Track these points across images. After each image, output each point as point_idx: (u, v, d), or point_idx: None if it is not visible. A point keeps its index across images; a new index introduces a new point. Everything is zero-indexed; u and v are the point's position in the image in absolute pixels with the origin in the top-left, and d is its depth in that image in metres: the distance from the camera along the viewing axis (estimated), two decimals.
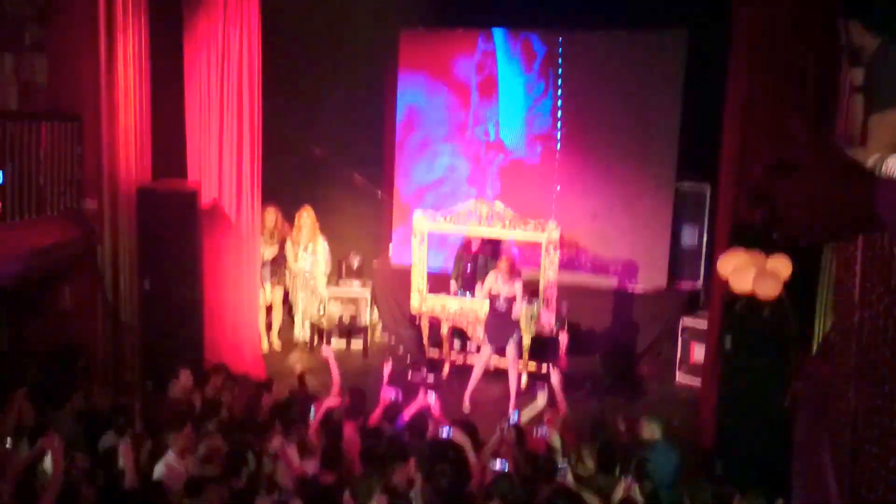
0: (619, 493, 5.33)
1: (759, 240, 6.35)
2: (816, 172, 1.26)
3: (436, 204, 10.32)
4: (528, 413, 6.93)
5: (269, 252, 10.17)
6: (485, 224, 9.34)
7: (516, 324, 8.73)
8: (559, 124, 10.37)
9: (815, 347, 6.57)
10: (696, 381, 9.20)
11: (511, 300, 8.56)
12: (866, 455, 2.76)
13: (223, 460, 5.49)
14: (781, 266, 6.22)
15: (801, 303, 6.72)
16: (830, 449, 3.44)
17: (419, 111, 10.81)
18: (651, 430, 6.54)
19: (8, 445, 5.58)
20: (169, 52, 8.87)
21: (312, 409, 6.91)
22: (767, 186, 1.26)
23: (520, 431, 6.40)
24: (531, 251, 9.93)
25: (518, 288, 8.56)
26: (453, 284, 9.78)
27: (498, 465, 5.64)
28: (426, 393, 7.03)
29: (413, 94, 10.77)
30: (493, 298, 8.66)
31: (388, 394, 7.22)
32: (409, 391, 7.92)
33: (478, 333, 9.30)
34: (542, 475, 5.62)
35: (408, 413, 6.86)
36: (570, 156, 10.36)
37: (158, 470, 5.66)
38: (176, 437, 5.80)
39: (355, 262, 10.74)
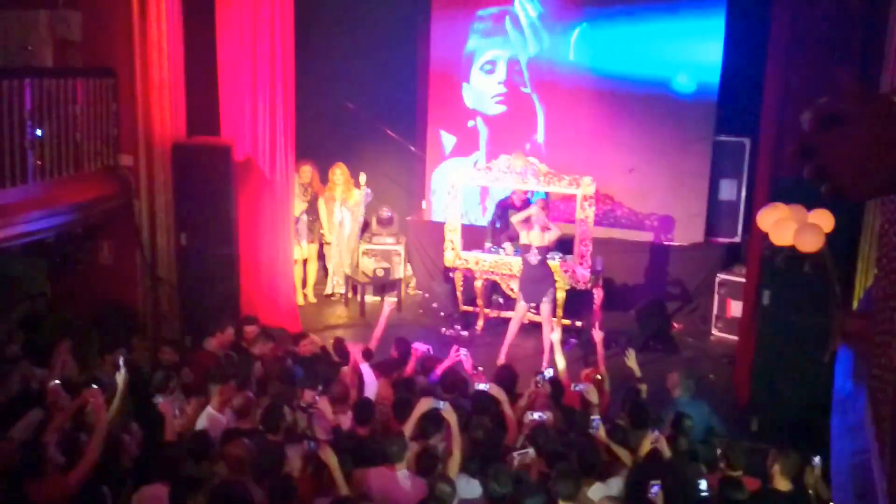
0: (645, 445, 5.33)
1: (801, 194, 6.22)
2: (864, 125, 1.20)
3: (470, 158, 10.25)
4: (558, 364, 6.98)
5: (303, 207, 10.22)
6: (519, 178, 9.25)
7: (551, 279, 8.67)
8: (596, 77, 10.18)
9: (855, 303, 6.45)
10: (731, 337, 9.14)
11: (544, 252, 8.46)
12: None
13: (261, 414, 5.57)
14: (823, 220, 6.09)
15: (842, 258, 6.59)
16: (871, 407, 3.39)
17: (453, 63, 10.68)
18: (684, 387, 6.52)
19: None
20: (201, 7, 8.83)
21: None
22: (814, 140, 1.21)
23: (556, 386, 6.42)
24: (567, 206, 9.86)
25: (550, 237, 8.44)
26: (488, 243, 9.72)
27: (535, 417, 5.66)
28: (458, 349, 7.06)
29: (446, 45, 10.65)
30: (525, 250, 8.56)
31: (420, 347, 7.25)
32: (444, 345, 7.99)
33: (512, 287, 9.28)
34: (576, 428, 5.64)
35: (440, 368, 6.90)
36: (608, 109, 10.18)
37: (201, 422, 5.77)
38: (216, 391, 5.89)
39: (385, 213, 10.70)
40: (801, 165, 1.29)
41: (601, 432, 5.47)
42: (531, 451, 5.25)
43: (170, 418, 5.61)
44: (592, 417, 5.64)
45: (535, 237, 8.44)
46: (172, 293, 8.63)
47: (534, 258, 8.47)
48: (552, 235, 8.43)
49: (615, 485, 5.02)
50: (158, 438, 5.55)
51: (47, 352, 6.64)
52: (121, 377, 5.79)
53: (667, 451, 5.32)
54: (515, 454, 5.26)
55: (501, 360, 8.57)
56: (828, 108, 1.27)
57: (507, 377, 6.66)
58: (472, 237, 9.84)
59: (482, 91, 10.72)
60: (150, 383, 6.25)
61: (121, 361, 5.94)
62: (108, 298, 8.26)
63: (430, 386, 6.69)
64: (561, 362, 7.05)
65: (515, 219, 8.65)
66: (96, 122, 8.09)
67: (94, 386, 5.52)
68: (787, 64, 7.36)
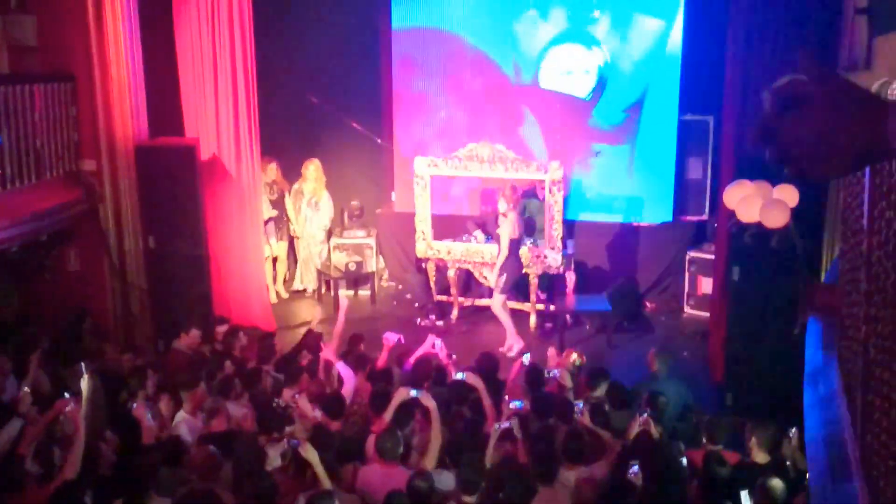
0: (634, 429, 5.37)
1: (765, 170, 6.29)
2: (823, 107, 1.21)
3: (436, 147, 10.22)
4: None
5: (270, 207, 10.15)
6: (487, 166, 9.26)
7: (515, 263, 8.71)
8: (559, 63, 10.18)
9: (822, 275, 6.55)
10: (703, 314, 9.23)
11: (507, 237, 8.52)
12: (878, 380, 2.75)
13: (257, 416, 5.58)
14: (788, 195, 6.17)
15: (808, 231, 6.69)
16: (842, 377, 3.45)
17: (415, 54, 10.63)
18: (659, 364, 6.58)
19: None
20: (158, 6, 8.72)
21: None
22: (774, 123, 1.22)
23: (534, 373, 6.45)
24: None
25: (505, 222, 8.48)
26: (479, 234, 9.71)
27: (513, 406, 5.69)
28: (433, 339, 7.08)
29: (408, 36, 10.59)
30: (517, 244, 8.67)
31: (391, 338, 7.25)
32: (419, 336, 8.00)
33: (486, 275, 9.29)
34: (558, 415, 5.67)
35: (413, 358, 6.91)
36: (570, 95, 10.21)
37: (176, 426, 5.73)
38: (188, 396, 5.85)
39: (355, 204, 10.67)
40: (763, 148, 1.31)
41: (585, 417, 5.50)
42: (514, 423, 5.25)
43: (145, 423, 5.57)
44: (576, 402, 5.67)
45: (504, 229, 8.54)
46: (143, 297, 8.54)
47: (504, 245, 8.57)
48: (506, 222, 8.55)
49: (599, 468, 5.06)
50: (133, 444, 5.51)
51: (18, 363, 6.54)
52: (85, 384, 5.72)
53: (655, 433, 5.37)
54: (496, 425, 5.28)
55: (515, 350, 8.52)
56: (787, 91, 1.28)
57: (487, 365, 6.68)
58: (443, 226, 9.83)
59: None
60: (121, 389, 6.19)
61: (83, 368, 5.87)
62: (77, 305, 8.15)
63: (406, 376, 6.69)
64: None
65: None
66: (56, 127, 7.96)
67: (66, 395, 5.45)
68: (747, 42, 7.43)
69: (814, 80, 1.27)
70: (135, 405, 5.68)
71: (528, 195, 9.44)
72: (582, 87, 10.10)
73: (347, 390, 6.38)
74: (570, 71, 10.10)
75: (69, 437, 5.16)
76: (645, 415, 5.40)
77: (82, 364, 6.04)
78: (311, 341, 7.47)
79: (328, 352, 6.84)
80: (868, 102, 1.24)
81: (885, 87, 2.41)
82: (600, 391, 6.30)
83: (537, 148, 10.20)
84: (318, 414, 5.78)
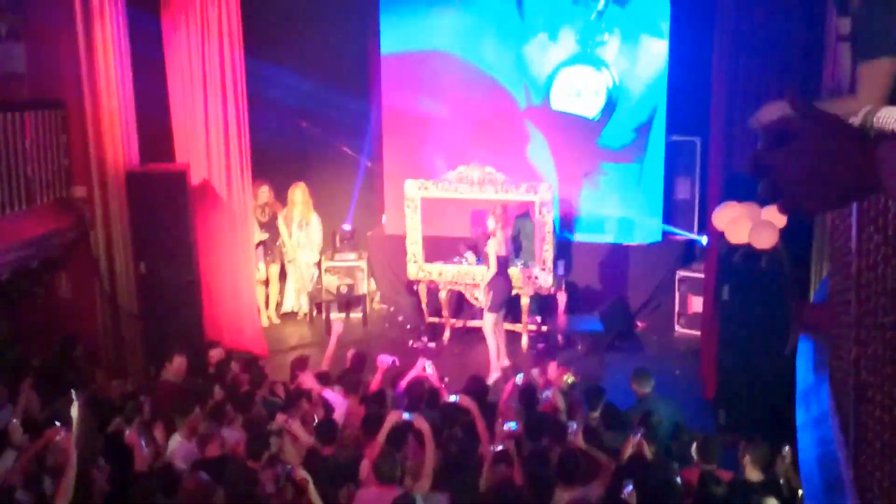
0: (628, 449, 5.39)
1: (753, 190, 6.35)
2: (812, 142, 1.25)
3: (426, 171, 10.27)
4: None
5: (262, 233, 10.14)
6: (477, 188, 9.31)
7: (504, 282, 8.72)
8: (545, 86, 10.26)
9: (811, 295, 6.61)
10: (694, 333, 9.28)
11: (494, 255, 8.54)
12: (870, 402, 2.78)
13: (245, 443, 5.55)
14: (777, 216, 6.23)
15: (796, 251, 6.75)
16: (834, 397, 3.48)
17: (404, 77, 10.70)
18: (641, 386, 6.60)
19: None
20: (148, 33, 8.76)
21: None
22: (765, 159, 1.26)
23: (527, 394, 6.46)
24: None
25: (493, 240, 8.53)
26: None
27: (507, 427, 5.69)
28: (424, 362, 7.09)
29: (398, 60, 10.67)
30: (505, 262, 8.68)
31: (385, 360, 7.25)
32: (412, 358, 8.00)
33: (477, 297, 9.32)
34: (552, 436, 5.68)
35: (404, 381, 6.91)
36: (560, 116, 10.28)
37: (171, 452, 5.71)
38: (183, 422, 5.84)
39: (346, 227, 10.68)
40: (756, 182, 1.34)
41: (578, 438, 5.51)
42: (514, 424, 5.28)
43: (138, 450, 5.54)
44: (569, 422, 5.68)
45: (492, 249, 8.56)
46: (134, 323, 8.51)
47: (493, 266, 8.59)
48: (492, 244, 8.56)
49: (595, 489, 5.06)
50: (126, 472, 5.48)
51: (9, 391, 6.51)
52: (76, 412, 5.70)
53: (649, 454, 5.38)
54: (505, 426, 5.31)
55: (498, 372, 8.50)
56: (777, 127, 1.32)
57: (477, 387, 6.69)
58: (434, 248, 9.86)
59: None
60: (113, 416, 6.17)
61: (73, 395, 5.85)
62: (68, 332, 8.12)
63: (399, 398, 6.69)
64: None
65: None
66: (47, 154, 7.96)
67: (57, 423, 5.43)
68: (731, 64, 7.53)
69: (802, 117, 1.31)
70: (128, 432, 5.65)
71: (524, 216, 9.48)
72: (591, 107, 10.10)
73: (339, 415, 6.37)
74: (580, 92, 10.07)
75: (60, 465, 5.13)
76: (639, 435, 5.41)
77: (73, 391, 6.02)
78: (297, 367, 7.42)
79: (308, 379, 6.82)
80: (857, 139, 1.28)
81: (871, 116, 2.45)
82: (599, 411, 6.32)
83: (546, 169, 10.21)
84: (311, 438, 5.77)
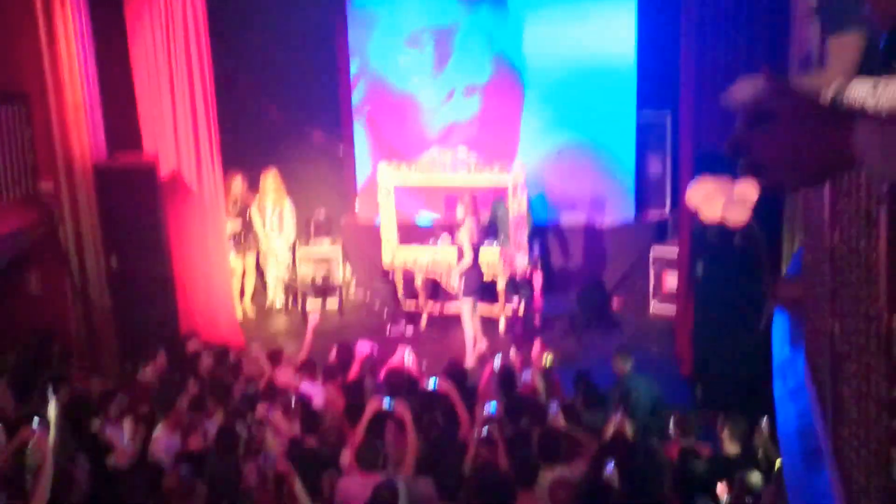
0: (610, 428, 5.43)
1: (724, 165, 6.38)
2: (791, 121, 1.26)
3: (399, 154, 10.23)
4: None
5: (234, 221, 10.04)
6: (449, 171, 9.28)
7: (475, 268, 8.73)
8: (511, 65, 10.24)
9: (784, 269, 6.67)
10: (670, 310, 9.34)
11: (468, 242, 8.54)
12: (846, 373, 2.82)
13: (215, 436, 5.50)
14: (749, 191, 6.26)
15: (768, 225, 6.80)
16: (810, 369, 3.52)
17: (372, 61, 10.63)
18: (623, 364, 6.66)
19: None
20: (112, 23, 8.60)
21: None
22: (744, 138, 1.27)
23: (507, 376, 6.48)
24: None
25: (463, 229, 8.50)
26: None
27: (487, 410, 5.71)
28: (403, 350, 7.09)
29: (365, 43, 10.59)
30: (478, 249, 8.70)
31: (364, 348, 7.24)
32: (389, 345, 7.99)
33: (452, 283, 9.31)
34: (531, 417, 5.71)
35: (384, 369, 6.91)
36: (530, 94, 10.28)
37: (154, 446, 5.66)
38: (164, 416, 5.79)
39: (321, 216, 10.62)
40: (735, 160, 1.35)
41: (559, 418, 5.54)
42: (492, 428, 5.29)
43: (119, 446, 5.49)
44: (550, 404, 5.71)
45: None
46: (107, 318, 8.41)
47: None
48: (463, 231, 8.59)
49: (577, 467, 5.10)
50: (105, 469, 5.43)
51: None
52: (52, 408, 5.63)
53: (630, 432, 5.43)
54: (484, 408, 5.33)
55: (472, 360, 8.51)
56: (755, 107, 1.32)
57: (456, 371, 6.70)
58: (408, 234, 9.83)
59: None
60: (91, 413, 6.10)
61: (50, 392, 5.78)
62: (40, 330, 8.01)
63: (379, 386, 6.69)
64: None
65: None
66: (11, 149, 7.80)
67: (35, 421, 5.36)
68: (700, 39, 7.55)
69: (778, 96, 1.31)
70: (107, 429, 5.59)
71: (499, 199, 9.47)
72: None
73: (318, 404, 6.36)
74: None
75: (38, 464, 5.07)
76: (619, 414, 5.45)
77: (49, 389, 5.94)
78: (272, 361, 7.39)
79: (284, 372, 6.77)
80: (832, 116, 1.29)
81: (841, 89, 2.46)
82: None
83: (497, 151, 10.20)
84: (294, 427, 5.75)
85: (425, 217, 9.74)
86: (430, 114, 10.57)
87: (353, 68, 10.62)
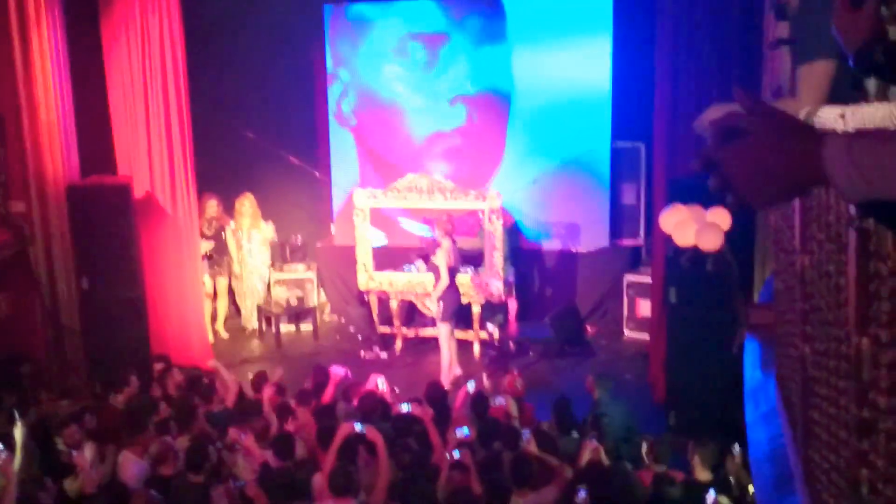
0: (585, 455, 5.42)
1: (698, 194, 6.48)
2: (761, 138, 1.29)
3: (375, 180, 10.25)
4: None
5: (208, 243, 9.99)
6: (426, 197, 9.31)
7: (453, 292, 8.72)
8: (494, 92, 10.33)
9: (755, 295, 6.75)
10: (643, 336, 9.39)
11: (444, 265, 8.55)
12: (817, 396, 2.84)
13: (185, 454, 5.42)
14: (721, 218, 6.36)
15: (740, 252, 6.89)
16: (782, 394, 3.55)
17: (351, 86, 10.67)
18: (600, 389, 6.68)
19: None
20: (88, 44, 8.58)
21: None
22: (715, 155, 1.29)
23: (480, 400, 6.47)
24: (473, 220, 9.96)
25: (440, 251, 8.55)
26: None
27: (459, 434, 5.69)
28: (376, 378, 7.07)
29: (343, 69, 10.64)
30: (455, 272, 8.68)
31: (338, 372, 7.20)
32: (363, 369, 7.95)
33: (429, 306, 9.30)
34: (504, 442, 5.69)
35: (357, 396, 6.87)
36: (507, 123, 10.36)
37: (119, 471, 5.57)
38: (133, 440, 5.70)
39: (298, 240, 10.60)
40: (705, 177, 1.37)
41: (532, 445, 5.52)
42: (464, 452, 5.26)
43: (86, 471, 5.39)
44: (522, 430, 5.70)
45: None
46: (77, 340, 8.30)
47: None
48: (438, 257, 8.58)
49: (549, 494, 5.08)
50: (72, 493, 5.33)
51: None
52: (18, 431, 5.53)
53: (605, 459, 5.42)
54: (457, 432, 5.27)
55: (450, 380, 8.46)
56: (726, 123, 1.34)
57: (436, 394, 6.68)
58: (383, 258, 9.83)
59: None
60: (58, 436, 6.00)
61: (16, 414, 5.68)
62: (9, 351, 7.88)
63: (352, 411, 6.64)
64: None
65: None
66: None
67: (0, 444, 5.26)
68: (673, 71, 7.67)
69: (749, 112, 1.34)
70: (75, 454, 5.50)
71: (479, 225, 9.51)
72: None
73: (291, 427, 6.29)
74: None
75: (2, 486, 4.97)
76: (594, 441, 5.45)
77: (14, 411, 5.84)
78: (257, 379, 7.33)
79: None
80: (802, 132, 1.31)
81: (811, 116, 2.52)
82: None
83: (473, 177, 10.26)
84: (267, 454, 5.68)
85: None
86: (415, 121, 10.57)
87: (346, 77, 10.62)
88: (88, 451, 5.75)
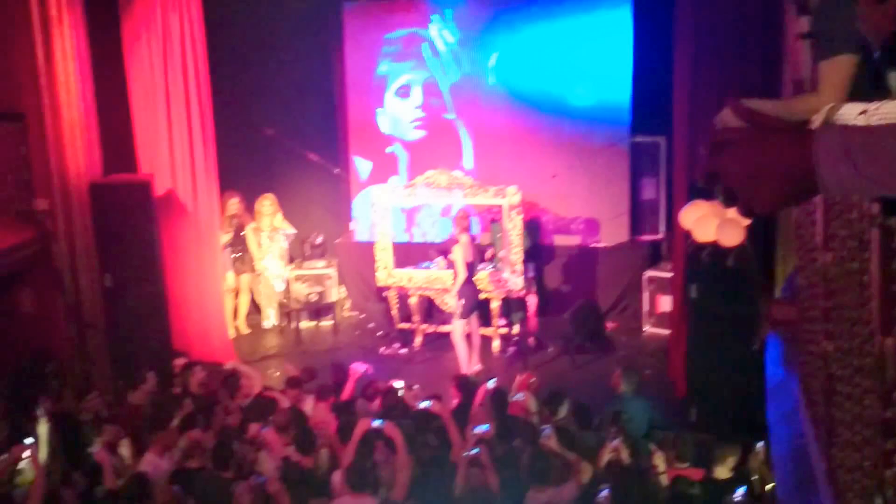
0: (605, 455, 5.41)
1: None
2: (751, 145, 1.29)
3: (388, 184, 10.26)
4: None
5: (228, 239, 10.05)
6: (445, 193, 9.31)
7: (471, 288, 8.72)
8: (514, 93, 10.30)
9: (777, 291, 6.69)
10: (663, 332, 9.34)
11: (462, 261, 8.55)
12: (840, 395, 2.82)
13: (211, 451, 5.47)
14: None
15: (761, 248, 6.84)
16: (804, 391, 3.52)
17: (369, 85, 10.68)
18: (627, 382, 6.65)
19: None
20: (109, 42, 8.64)
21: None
22: (714, 165, 1.30)
23: (499, 397, 6.47)
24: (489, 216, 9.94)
25: (457, 247, 8.53)
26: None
27: (479, 430, 5.69)
28: (395, 383, 7.12)
29: (358, 70, 10.65)
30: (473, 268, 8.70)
31: (359, 368, 7.23)
32: (383, 364, 7.97)
33: (447, 302, 9.30)
34: (523, 438, 5.69)
35: (376, 392, 6.90)
36: (527, 122, 10.33)
37: (141, 467, 5.62)
38: (155, 437, 5.75)
39: (318, 240, 10.64)
40: (713, 188, 1.38)
41: (552, 441, 5.51)
42: (482, 449, 5.27)
43: (108, 467, 5.45)
44: (543, 426, 5.69)
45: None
46: (100, 336, 8.38)
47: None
48: (455, 253, 8.59)
49: (569, 490, 5.08)
50: (97, 489, 5.39)
51: None
52: (43, 428, 5.60)
53: (626, 458, 5.40)
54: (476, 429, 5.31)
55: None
56: (717, 136, 1.35)
57: (467, 386, 6.70)
58: (403, 254, 9.84)
59: (398, 116, 10.72)
60: (83, 433, 6.06)
61: (40, 412, 5.75)
62: (33, 348, 7.97)
63: (372, 407, 6.67)
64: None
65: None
66: (6, 167, 7.80)
67: (27, 441, 5.32)
68: (693, 64, 7.61)
69: (740, 121, 1.35)
70: (97, 449, 5.56)
71: (497, 221, 9.50)
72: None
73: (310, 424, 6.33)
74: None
75: (29, 483, 5.04)
76: (616, 440, 5.43)
77: (40, 408, 5.91)
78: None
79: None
80: (792, 133, 1.31)
81: (833, 112, 2.49)
82: (562, 413, 6.34)
83: (515, 172, 10.20)
84: (289, 449, 5.72)
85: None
86: (425, 147, 10.56)
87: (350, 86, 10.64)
88: (125, 449, 5.81)
